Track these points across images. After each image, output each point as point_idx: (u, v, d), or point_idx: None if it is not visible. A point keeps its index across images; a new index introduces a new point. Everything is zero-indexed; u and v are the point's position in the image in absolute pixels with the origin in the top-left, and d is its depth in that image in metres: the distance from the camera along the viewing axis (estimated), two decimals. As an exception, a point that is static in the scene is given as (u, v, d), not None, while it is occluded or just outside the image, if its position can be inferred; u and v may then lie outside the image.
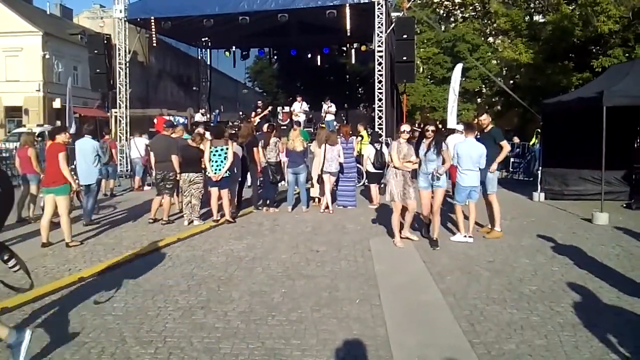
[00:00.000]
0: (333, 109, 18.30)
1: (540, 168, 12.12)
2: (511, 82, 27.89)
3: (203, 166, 9.14)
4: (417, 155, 7.24)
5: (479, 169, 7.54)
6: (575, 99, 11.01)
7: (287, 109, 19.56)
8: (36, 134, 14.37)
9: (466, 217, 7.78)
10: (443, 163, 7.17)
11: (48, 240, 7.35)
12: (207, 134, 10.52)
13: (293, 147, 10.33)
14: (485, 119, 8.26)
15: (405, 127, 7.58)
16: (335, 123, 17.50)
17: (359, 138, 13.31)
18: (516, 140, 18.51)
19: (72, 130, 20.53)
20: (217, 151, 8.96)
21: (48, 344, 4.03)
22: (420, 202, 7.44)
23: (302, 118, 17.29)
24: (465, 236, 7.59)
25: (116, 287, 5.47)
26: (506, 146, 8.12)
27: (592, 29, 19.50)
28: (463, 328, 4.35)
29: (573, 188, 11.61)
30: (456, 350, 3.92)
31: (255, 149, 10.24)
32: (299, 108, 18.24)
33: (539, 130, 14.63)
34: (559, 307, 4.85)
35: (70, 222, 7.48)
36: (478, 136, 8.06)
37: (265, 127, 11.73)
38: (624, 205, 10.76)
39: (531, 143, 17.38)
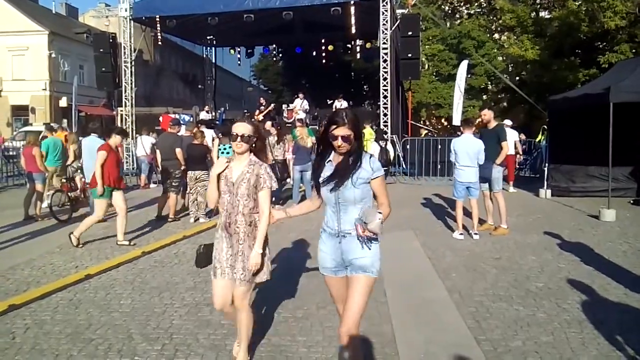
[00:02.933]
0: (344, 106, 18.31)
1: (546, 165, 12.06)
2: (517, 78, 27.76)
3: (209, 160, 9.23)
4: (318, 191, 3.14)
5: (479, 165, 7.51)
6: (581, 96, 10.94)
7: (292, 106, 19.59)
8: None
9: (466, 215, 7.78)
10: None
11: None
12: (206, 131, 10.64)
13: (304, 143, 10.39)
14: (486, 114, 8.20)
15: (239, 128, 3.39)
16: None
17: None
18: (522, 137, 18.42)
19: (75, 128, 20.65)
20: (225, 148, 9.04)
21: (55, 341, 4.06)
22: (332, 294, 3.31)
23: (302, 115, 17.31)
24: (461, 234, 7.62)
25: (122, 285, 5.50)
26: (505, 147, 8.00)
27: (599, 24, 19.39)
28: (469, 325, 4.35)
29: (580, 185, 11.56)
30: (462, 347, 3.92)
31: None
32: (299, 106, 18.27)
33: (546, 126, 14.56)
34: (566, 304, 4.83)
35: (122, 221, 7.36)
36: (479, 134, 8.05)
37: (268, 125, 11.77)
38: (631, 201, 10.71)
39: (537, 140, 17.29)
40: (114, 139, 7.52)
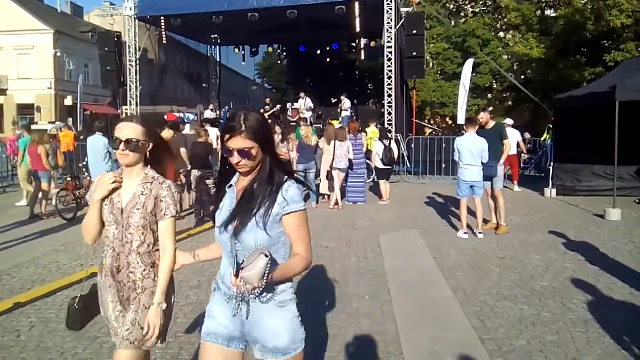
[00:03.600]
0: (347, 104, 18.43)
1: (551, 164, 12.03)
2: (522, 77, 27.70)
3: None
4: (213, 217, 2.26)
5: (483, 164, 7.50)
6: (587, 94, 10.90)
7: (295, 105, 19.62)
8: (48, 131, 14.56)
9: (471, 214, 7.77)
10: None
11: None
12: (210, 130, 10.70)
13: (309, 142, 10.48)
14: (482, 116, 8.22)
15: (124, 130, 2.43)
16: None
17: (363, 133, 13.31)
18: (527, 135, 18.38)
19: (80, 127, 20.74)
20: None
21: (60, 339, 4.07)
22: None
23: (307, 115, 17.32)
24: (465, 233, 7.62)
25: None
26: (507, 144, 8.13)
27: (605, 23, 19.35)
28: (473, 324, 4.34)
29: (585, 184, 11.52)
30: (466, 346, 3.91)
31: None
32: (304, 105, 18.30)
33: (551, 125, 14.51)
34: (571, 303, 4.81)
35: None
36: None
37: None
38: (637, 200, 10.65)
39: (543, 138, 17.24)
40: (166, 132, 7.62)
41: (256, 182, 2.06)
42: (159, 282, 2.42)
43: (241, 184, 2.11)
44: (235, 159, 2.01)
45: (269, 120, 14.83)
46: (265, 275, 1.79)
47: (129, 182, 2.47)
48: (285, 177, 2.07)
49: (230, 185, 2.15)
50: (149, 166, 2.51)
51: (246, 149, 1.99)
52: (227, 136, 2.02)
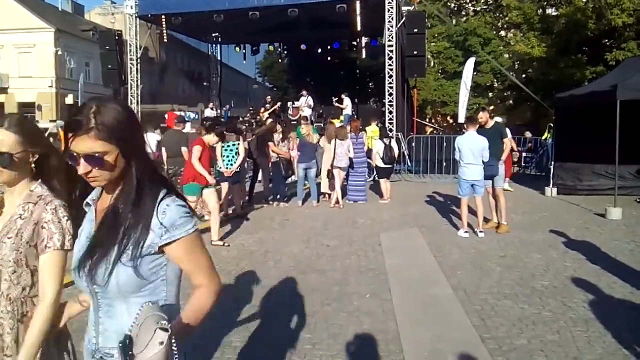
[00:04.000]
0: (348, 103, 18.53)
1: (552, 163, 12.02)
2: (523, 76, 27.65)
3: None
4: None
5: (484, 162, 7.50)
6: (588, 93, 10.90)
7: (297, 104, 19.65)
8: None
9: (472, 212, 7.78)
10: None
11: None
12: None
13: (310, 141, 10.56)
14: (482, 116, 8.23)
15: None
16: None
17: (364, 132, 13.32)
18: (528, 134, 18.37)
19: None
20: (228, 146, 9.03)
21: (62, 337, 4.07)
22: None
23: (308, 113, 17.33)
24: (466, 232, 7.63)
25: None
26: (507, 143, 8.21)
27: (606, 22, 19.32)
28: (474, 323, 4.34)
29: (586, 183, 11.51)
30: (467, 345, 3.91)
31: (270, 143, 10.39)
32: (304, 102, 18.34)
33: (552, 124, 14.50)
34: (572, 302, 4.81)
35: (216, 220, 7.15)
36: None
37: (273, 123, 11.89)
38: (638, 200, 10.64)
39: (544, 137, 17.21)
40: (209, 137, 7.31)
41: (120, 201, 1.46)
42: (26, 343, 1.68)
43: (103, 202, 1.52)
44: (81, 168, 1.40)
45: (270, 117, 14.81)
46: (175, 354, 1.29)
47: (11, 201, 1.85)
48: (162, 192, 1.48)
49: (88, 204, 1.56)
50: (39, 181, 1.87)
51: (97, 155, 1.40)
52: (69, 135, 1.41)
